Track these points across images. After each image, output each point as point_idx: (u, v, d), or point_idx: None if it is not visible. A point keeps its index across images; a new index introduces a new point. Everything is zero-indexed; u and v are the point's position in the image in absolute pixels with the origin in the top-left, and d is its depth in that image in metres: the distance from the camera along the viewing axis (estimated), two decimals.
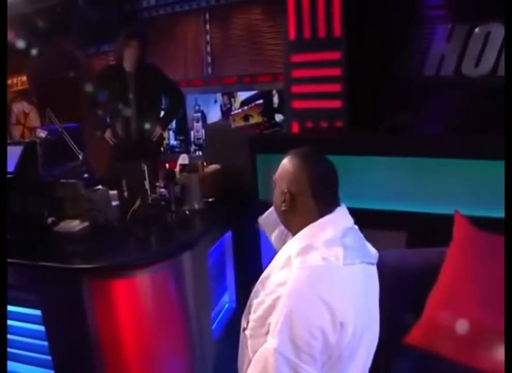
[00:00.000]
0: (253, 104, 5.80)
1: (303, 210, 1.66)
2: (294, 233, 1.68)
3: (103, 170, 4.41)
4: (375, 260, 1.70)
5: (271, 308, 1.54)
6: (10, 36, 6.18)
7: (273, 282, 1.61)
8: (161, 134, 4.71)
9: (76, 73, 6.31)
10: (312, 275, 1.50)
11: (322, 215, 1.63)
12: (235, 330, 1.87)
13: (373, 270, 1.70)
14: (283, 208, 1.70)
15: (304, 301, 1.46)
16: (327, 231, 1.59)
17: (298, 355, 1.42)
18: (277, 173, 1.76)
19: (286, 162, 1.73)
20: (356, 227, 1.71)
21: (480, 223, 2.34)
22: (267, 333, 1.52)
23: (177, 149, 6.36)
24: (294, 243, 1.63)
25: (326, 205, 1.65)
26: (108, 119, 4.63)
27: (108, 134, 4.53)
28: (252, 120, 5.81)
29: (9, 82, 7.63)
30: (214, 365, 2.56)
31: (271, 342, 1.47)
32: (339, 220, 1.66)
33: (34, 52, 6.46)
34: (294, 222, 1.70)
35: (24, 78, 7.46)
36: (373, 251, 1.72)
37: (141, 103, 4.44)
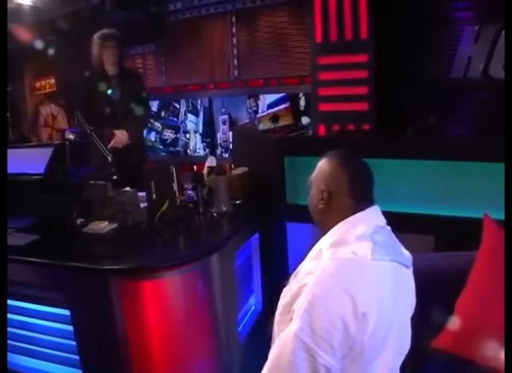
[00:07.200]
0: (280, 107, 5.81)
1: (339, 207, 1.71)
2: (327, 230, 1.72)
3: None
4: (409, 263, 1.72)
5: (297, 295, 1.59)
6: (39, 39, 6.29)
7: (303, 271, 1.66)
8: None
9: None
10: (339, 267, 1.54)
11: (355, 213, 1.69)
12: (261, 332, 1.88)
13: (408, 273, 1.72)
14: (321, 206, 1.75)
15: (328, 290, 1.49)
16: (359, 227, 1.64)
17: (316, 341, 1.45)
18: (314, 174, 1.82)
19: (323, 163, 1.79)
20: (389, 227, 1.74)
21: None
22: (291, 319, 1.55)
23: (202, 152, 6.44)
24: (327, 238, 1.68)
25: (360, 204, 1.71)
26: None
27: None
28: (280, 123, 5.83)
29: (37, 84, 7.75)
30: (239, 367, 2.56)
31: (292, 326, 1.51)
32: (371, 217, 1.71)
33: (62, 55, 6.55)
34: (329, 220, 1.73)
35: (52, 81, 7.56)
36: (406, 253, 1.73)
37: (122, 108, 4.25)
